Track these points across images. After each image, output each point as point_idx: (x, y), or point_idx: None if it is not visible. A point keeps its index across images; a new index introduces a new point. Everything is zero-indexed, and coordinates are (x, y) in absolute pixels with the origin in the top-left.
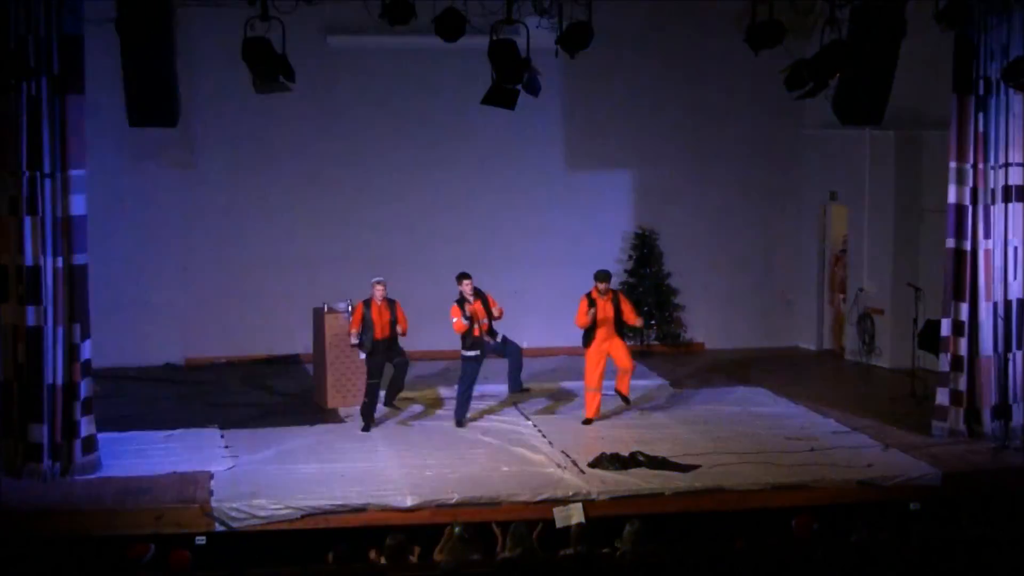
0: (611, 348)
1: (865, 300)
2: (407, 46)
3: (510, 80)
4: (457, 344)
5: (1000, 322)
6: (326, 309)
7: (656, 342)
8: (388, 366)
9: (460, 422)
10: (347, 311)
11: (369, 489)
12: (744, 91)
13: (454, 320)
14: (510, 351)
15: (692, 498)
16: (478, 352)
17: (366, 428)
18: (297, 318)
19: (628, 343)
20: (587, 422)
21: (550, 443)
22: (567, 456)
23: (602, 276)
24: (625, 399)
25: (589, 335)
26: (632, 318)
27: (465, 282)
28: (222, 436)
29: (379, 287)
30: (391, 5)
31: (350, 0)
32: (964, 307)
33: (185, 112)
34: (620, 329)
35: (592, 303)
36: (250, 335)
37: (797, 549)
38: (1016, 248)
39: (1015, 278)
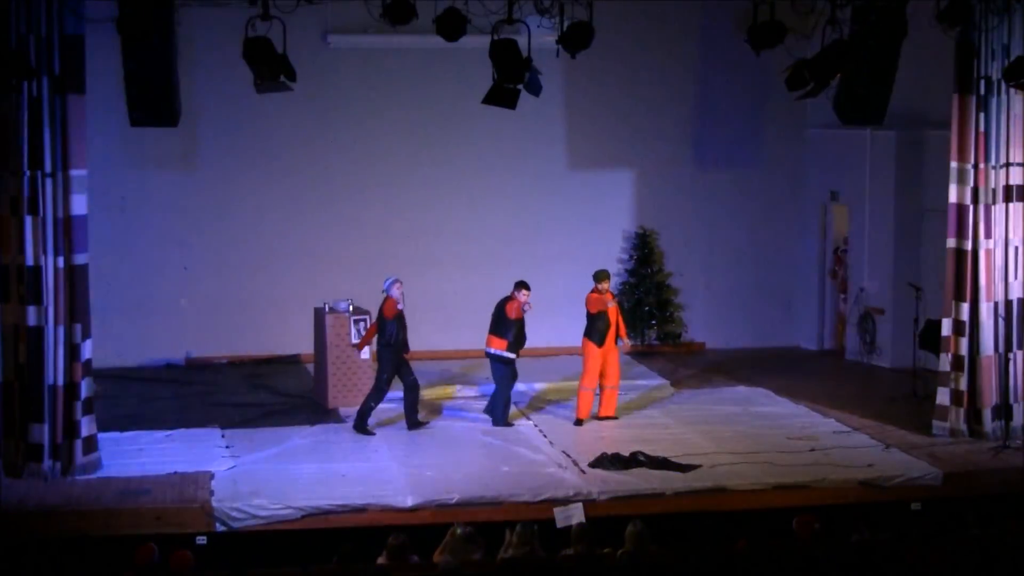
0: (608, 357)
1: (866, 300)
2: (408, 46)
3: (511, 80)
4: (462, 344)
5: (1001, 322)
6: (327, 309)
7: (656, 342)
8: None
9: (508, 423)
10: (348, 311)
11: (370, 489)
12: (745, 91)
13: (521, 302)
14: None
15: (693, 498)
16: (515, 356)
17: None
18: (298, 318)
19: (629, 342)
20: (579, 423)
21: (551, 443)
22: (568, 456)
23: (604, 275)
24: (612, 418)
25: (602, 336)
26: (623, 330)
27: (524, 292)
28: (223, 436)
29: (399, 284)
30: (392, 5)
31: (351, 0)
32: (965, 307)
33: (186, 112)
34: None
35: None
36: (251, 335)
37: (798, 549)
38: (1017, 248)
39: (1016, 278)
